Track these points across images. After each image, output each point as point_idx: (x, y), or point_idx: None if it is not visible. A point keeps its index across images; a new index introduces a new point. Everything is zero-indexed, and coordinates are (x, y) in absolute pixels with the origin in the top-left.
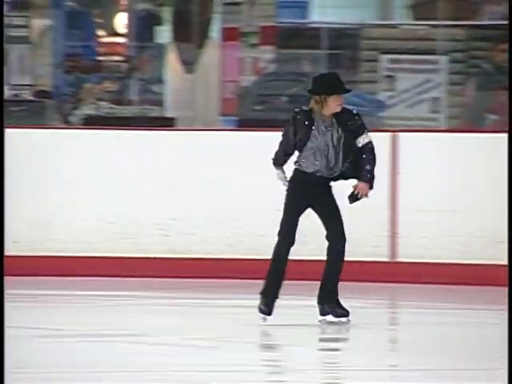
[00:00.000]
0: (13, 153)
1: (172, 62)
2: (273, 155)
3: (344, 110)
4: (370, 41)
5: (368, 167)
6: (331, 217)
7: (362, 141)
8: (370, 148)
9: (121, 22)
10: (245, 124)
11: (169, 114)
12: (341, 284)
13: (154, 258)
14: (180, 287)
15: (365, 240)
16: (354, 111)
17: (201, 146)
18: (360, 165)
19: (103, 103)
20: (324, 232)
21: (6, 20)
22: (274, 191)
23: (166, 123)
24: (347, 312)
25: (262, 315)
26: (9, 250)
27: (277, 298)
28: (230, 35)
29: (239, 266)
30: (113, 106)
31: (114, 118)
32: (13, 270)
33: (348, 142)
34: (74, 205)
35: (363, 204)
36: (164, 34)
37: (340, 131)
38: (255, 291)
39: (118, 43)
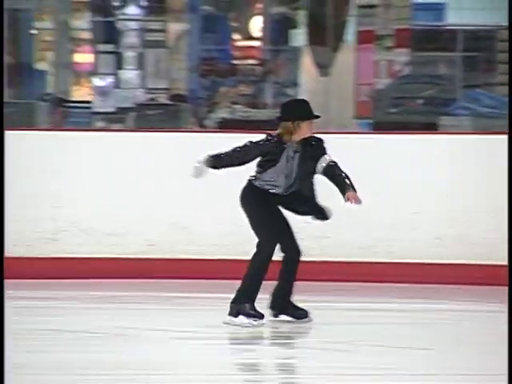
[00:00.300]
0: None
1: (307, 66)
2: (216, 153)
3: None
4: (507, 43)
5: (347, 180)
6: (284, 232)
7: (325, 159)
8: (336, 165)
9: (256, 25)
10: (380, 127)
11: None
12: (463, 287)
13: None
14: (315, 290)
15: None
16: (319, 136)
17: (335, 149)
18: (338, 181)
19: (238, 106)
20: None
21: (142, 24)
22: (410, 192)
23: None
24: (306, 312)
25: (256, 319)
26: (148, 253)
27: None
28: (365, 38)
29: (373, 269)
30: (248, 109)
31: (249, 121)
32: (154, 273)
33: (307, 166)
34: (208, 208)
35: (485, 206)
36: (299, 37)
37: (303, 156)
38: (393, 294)
39: (254, 47)
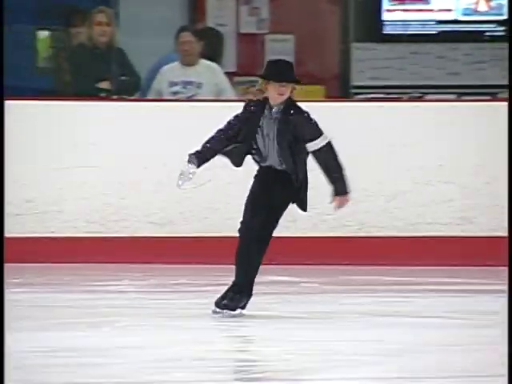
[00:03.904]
0: None
1: None
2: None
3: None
4: None
5: (336, 174)
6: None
7: (319, 141)
8: (330, 149)
9: None
10: None
11: None
12: None
13: None
14: None
15: None
16: (303, 108)
17: None
18: (330, 171)
19: None
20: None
21: None
22: None
23: None
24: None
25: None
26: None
27: None
28: None
29: None
30: None
31: None
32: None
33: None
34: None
35: None
36: None
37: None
38: None
39: None
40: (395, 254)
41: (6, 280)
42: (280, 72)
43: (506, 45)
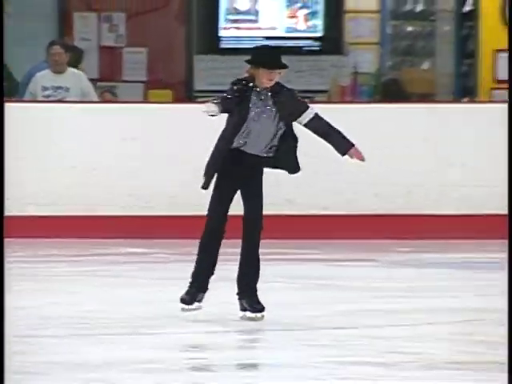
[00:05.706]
0: None
1: None
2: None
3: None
4: None
5: (337, 134)
6: None
7: (307, 116)
8: (322, 117)
9: None
10: None
11: None
12: None
13: None
14: None
15: None
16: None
17: None
18: (331, 135)
19: None
20: None
21: None
22: None
23: None
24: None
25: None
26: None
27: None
28: None
29: None
30: None
31: None
32: None
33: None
34: None
35: None
36: None
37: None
38: None
39: None
40: None
41: None
42: (271, 59)
43: (320, 57)
